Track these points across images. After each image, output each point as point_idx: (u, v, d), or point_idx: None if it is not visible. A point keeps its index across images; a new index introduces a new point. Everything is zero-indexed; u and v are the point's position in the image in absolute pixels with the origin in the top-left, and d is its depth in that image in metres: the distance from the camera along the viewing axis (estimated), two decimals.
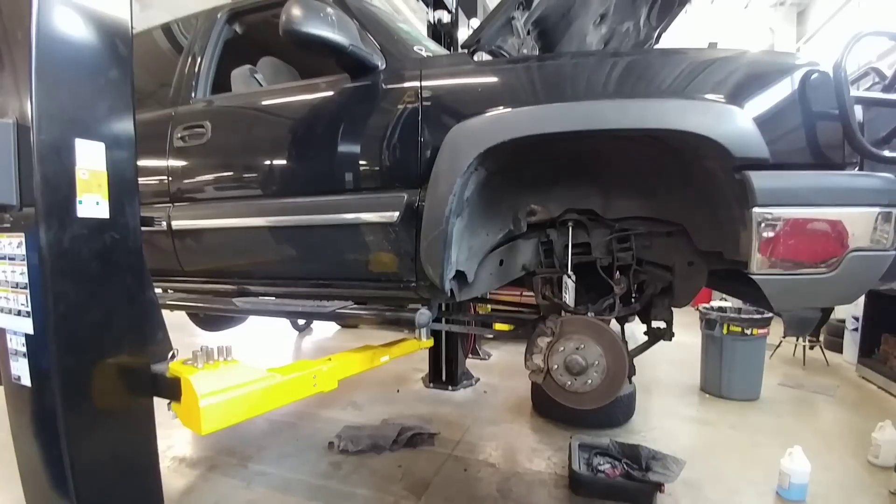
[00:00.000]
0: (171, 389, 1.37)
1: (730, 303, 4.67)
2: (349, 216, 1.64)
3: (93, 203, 1.17)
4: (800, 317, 1.33)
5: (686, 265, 1.64)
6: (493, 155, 1.44)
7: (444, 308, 2.30)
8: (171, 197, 2.06)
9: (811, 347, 4.83)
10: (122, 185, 1.24)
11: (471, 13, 3.88)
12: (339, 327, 6.42)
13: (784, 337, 4.90)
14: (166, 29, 2.45)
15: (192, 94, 2.12)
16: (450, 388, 3.95)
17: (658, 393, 3.90)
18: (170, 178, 2.06)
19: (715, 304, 4.24)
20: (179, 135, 2.03)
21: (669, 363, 4.73)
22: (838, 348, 5.04)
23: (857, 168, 1.24)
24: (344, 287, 1.82)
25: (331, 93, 1.77)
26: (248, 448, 2.81)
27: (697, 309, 4.17)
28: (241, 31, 2.29)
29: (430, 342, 2.37)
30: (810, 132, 1.23)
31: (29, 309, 1.13)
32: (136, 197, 1.29)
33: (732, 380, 3.72)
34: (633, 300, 1.76)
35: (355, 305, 1.81)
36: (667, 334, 1.81)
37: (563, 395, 1.67)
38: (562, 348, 1.62)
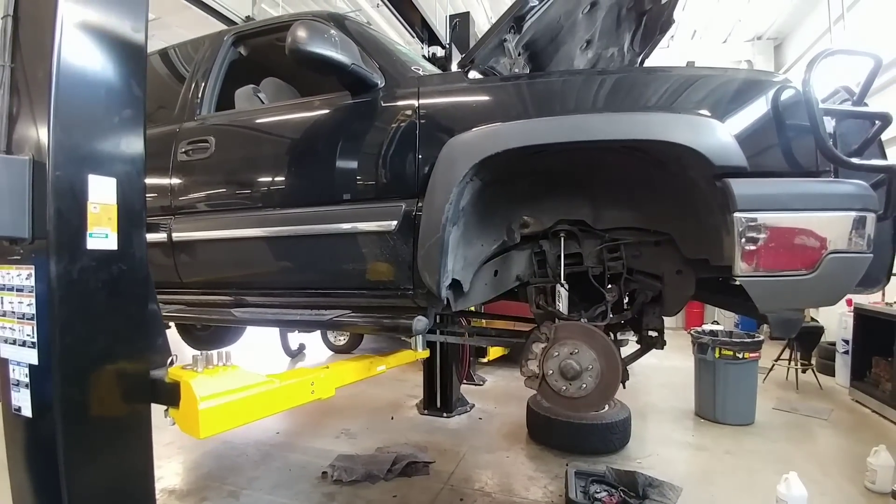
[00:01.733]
0: (170, 395, 1.36)
1: (722, 326, 4.72)
2: (348, 226, 1.69)
3: (102, 235, 1.21)
4: (784, 318, 1.37)
5: (674, 273, 1.70)
6: (487, 166, 1.51)
7: (438, 321, 2.32)
8: (174, 209, 2.10)
9: (803, 371, 4.85)
10: (130, 218, 1.28)
11: (463, 48, 4.04)
12: (331, 352, 6.37)
13: (776, 360, 4.93)
14: (163, 55, 2.54)
15: (198, 112, 2.20)
16: (444, 414, 3.91)
17: (653, 418, 3.88)
18: (172, 191, 2.11)
19: (707, 327, 4.28)
20: (184, 149, 2.09)
21: (664, 387, 4.73)
22: (830, 371, 5.07)
23: (831, 176, 1.32)
24: (342, 296, 1.84)
25: (332, 109, 1.85)
26: (240, 478, 2.75)
27: (690, 332, 4.21)
28: (245, 53, 2.39)
29: (426, 353, 2.35)
30: (785, 142, 1.32)
31: (35, 340, 1.15)
32: (144, 228, 1.33)
33: (726, 404, 3.72)
34: (624, 309, 1.80)
35: (353, 314, 1.83)
36: (658, 342, 1.84)
37: (559, 401, 1.68)
38: (556, 353, 1.65)
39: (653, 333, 1.84)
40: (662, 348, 1.85)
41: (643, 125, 1.36)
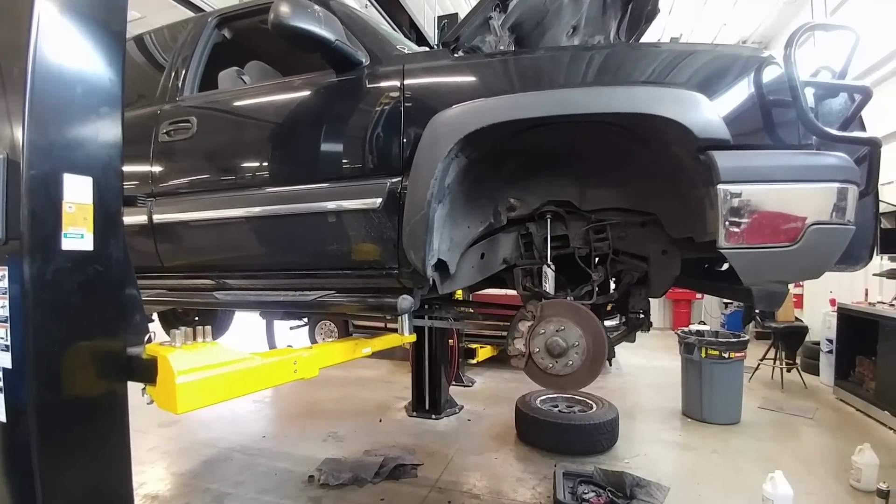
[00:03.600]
0: (147, 371, 1.31)
1: (708, 326, 4.77)
2: (332, 204, 1.66)
3: (77, 236, 1.18)
4: (768, 291, 1.37)
5: (660, 254, 1.71)
6: (473, 142, 1.49)
7: (426, 308, 2.30)
8: (154, 192, 2.05)
9: (788, 370, 4.91)
10: (107, 218, 1.25)
11: None
12: None
13: (761, 360, 4.99)
14: (139, 40, 2.49)
15: (180, 94, 2.15)
16: (433, 416, 3.89)
17: (641, 418, 3.90)
18: (153, 174, 2.06)
19: (693, 327, 4.32)
20: (165, 130, 2.04)
21: (651, 387, 4.75)
22: (815, 371, 5.13)
23: (814, 150, 1.33)
24: (326, 277, 1.81)
25: (316, 87, 1.82)
26: (225, 483, 2.70)
27: (676, 332, 4.25)
28: (229, 35, 2.35)
29: (413, 337, 2.30)
30: (767, 115, 1.32)
31: (8, 343, 1.12)
32: (121, 229, 1.31)
33: (713, 403, 3.75)
34: (611, 290, 1.81)
35: (337, 294, 1.79)
36: (644, 324, 1.84)
37: (546, 379, 1.67)
38: (543, 331, 1.64)
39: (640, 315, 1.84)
40: (648, 330, 1.85)
41: (627, 98, 1.37)
